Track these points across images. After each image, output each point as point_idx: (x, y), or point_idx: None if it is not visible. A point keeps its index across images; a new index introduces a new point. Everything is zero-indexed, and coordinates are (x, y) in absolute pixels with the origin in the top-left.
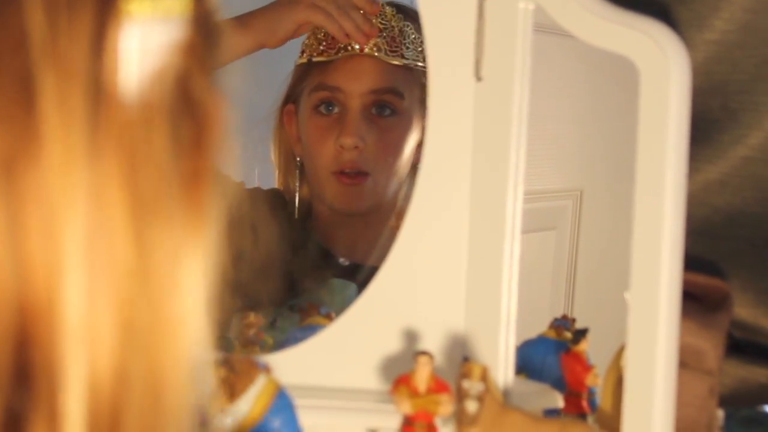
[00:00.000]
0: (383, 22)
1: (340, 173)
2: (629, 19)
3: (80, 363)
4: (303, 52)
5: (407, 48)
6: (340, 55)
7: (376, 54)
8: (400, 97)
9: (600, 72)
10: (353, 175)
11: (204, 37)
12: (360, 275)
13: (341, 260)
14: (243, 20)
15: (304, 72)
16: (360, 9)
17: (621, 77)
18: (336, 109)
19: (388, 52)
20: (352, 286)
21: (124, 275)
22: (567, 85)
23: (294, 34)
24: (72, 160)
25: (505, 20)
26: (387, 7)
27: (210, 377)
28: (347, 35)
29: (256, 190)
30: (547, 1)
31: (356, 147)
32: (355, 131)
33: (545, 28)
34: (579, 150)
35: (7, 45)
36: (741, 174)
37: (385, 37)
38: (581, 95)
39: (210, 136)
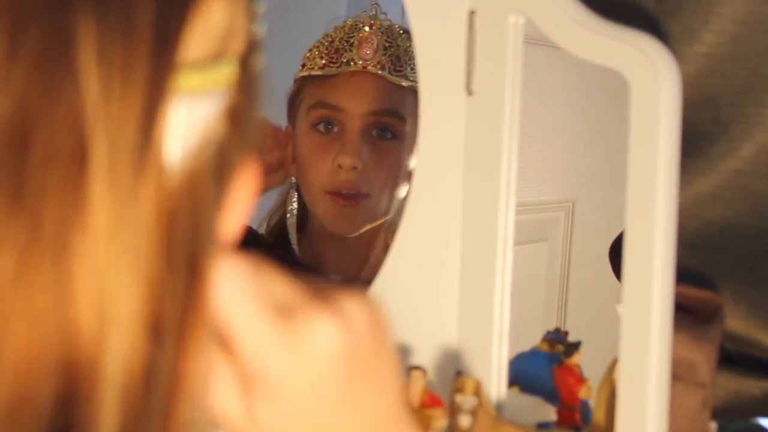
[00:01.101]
0: (389, 40)
1: (335, 193)
2: (619, 32)
3: (115, 421)
4: (303, 65)
5: (412, 69)
6: (341, 69)
7: (379, 72)
8: (402, 120)
9: (592, 83)
10: (348, 197)
11: (246, 103)
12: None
13: (332, 277)
14: None
15: (302, 87)
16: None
17: (613, 88)
18: (335, 128)
19: (392, 71)
20: None
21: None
22: (559, 96)
23: None
24: (119, 229)
25: (496, 34)
26: (395, 26)
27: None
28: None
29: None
30: (537, 14)
31: (354, 167)
32: (354, 151)
33: (537, 40)
34: (571, 161)
35: (63, 114)
36: (732, 186)
37: (389, 56)
38: (573, 107)
39: (239, 196)
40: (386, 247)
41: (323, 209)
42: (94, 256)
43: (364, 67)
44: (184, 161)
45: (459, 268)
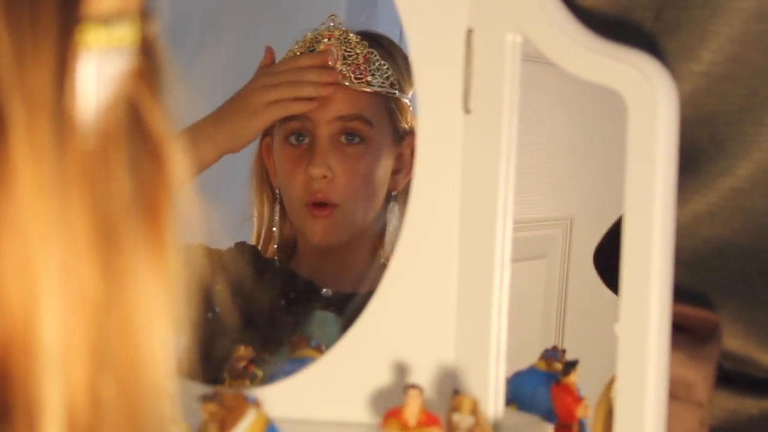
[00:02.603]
0: (347, 50)
1: (312, 205)
2: (616, 51)
3: (57, 392)
4: None
5: (373, 75)
6: None
7: (343, 83)
8: (369, 124)
9: (589, 101)
10: (322, 207)
11: (151, 64)
12: (345, 304)
13: (324, 291)
14: (205, 133)
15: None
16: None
17: (610, 106)
18: (306, 140)
19: (353, 80)
20: (331, 317)
21: (92, 303)
22: (556, 114)
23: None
24: (42, 190)
25: (493, 53)
26: (351, 35)
27: (199, 412)
28: (314, 99)
29: (220, 252)
30: (535, 33)
31: (324, 177)
32: (322, 161)
33: (534, 57)
34: (569, 179)
35: None
36: (730, 205)
37: (350, 65)
38: (571, 124)
39: (165, 163)
40: (380, 262)
41: (306, 224)
42: (19, 220)
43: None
44: (97, 120)
45: (456, 285)
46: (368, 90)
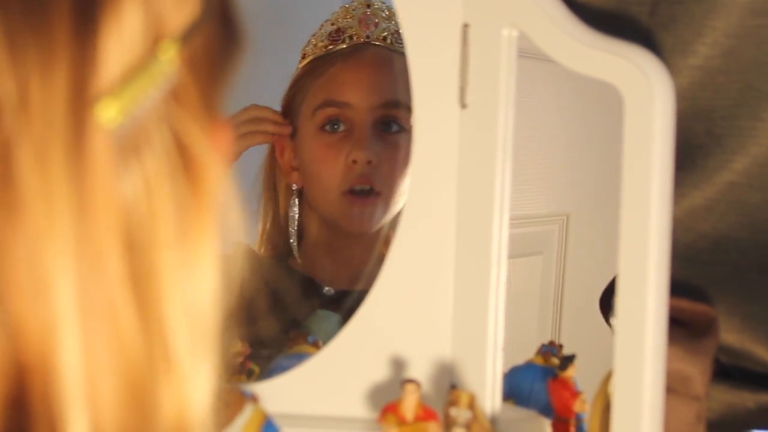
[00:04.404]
0: (387, 16)
1: (351, 194)
2: (612, 45)
3: (81, 419)
4: (304, 55)
5: None
6: (345, 44)
7: (382, 44)
8: (408, 111)
9: (586, 96)
10: (365, 196)
11: (193, 79)
12: (346, 302)
13: (326, 289)
14: None
15: (301, 87)
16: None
17: (607, 102)
18: (342, 127)
19: (395, 42)
20: (334, 317)
21: (123, 333)
22: (553, 110)
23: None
24: (56, 222)
25: (489, 47)
26: (386, 7)
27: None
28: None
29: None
30: (531, 28)
31: (369, 161)
32: (367, 145)
33: (530, 53)
34: (565, 175)
35: None
36: (726, 199)
37: (390, 30)
38: (567, 120)
39: (207, 188)
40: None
41: (339, 211)
42: (32, 252)
43: (368, 39)
44: (131, 165)
45: (453, 281)
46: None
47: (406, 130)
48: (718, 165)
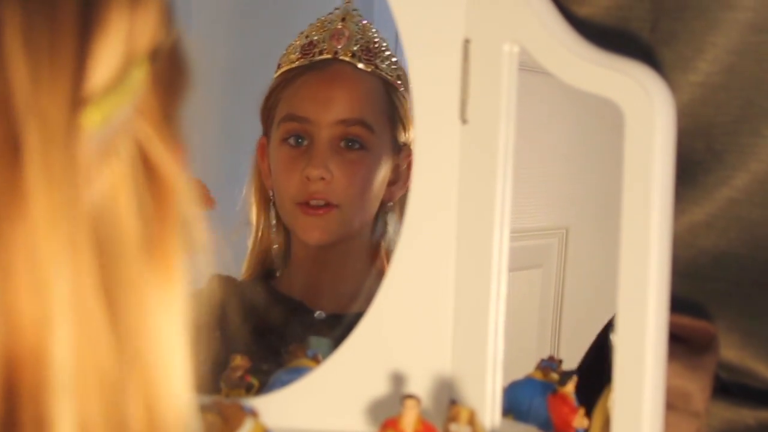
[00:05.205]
0: (360, 32)
1: (305, 205)
2: (613, 61)
3: (69, 412)
4: (279, 65)
5: (381, 61)
6: (314, 59)
7: (349, 60)
8: (370, 130)
9: (586, 110)
10: (317, 206)
11: (157, 100)
12: (338, 326)
13: (317, 314)
14: None
15: (275, 99)
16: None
17: (607, 116)
18: (305, 142)
19: (362, 59)
20: (326, 343)
21: (100, 332)
22: (553, 123)
23: None
24: (56, 217)
25: (490, 63)
26: (364, 21)
27: (196, 422)
28: None
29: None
30: (532, 43)
31: (322, 178)
32: (321, 162)
33: (531, 67)
34: (565, 188)
35: None
36: (727, 215)
37: (360, 47)
38: (567, 134)
39: (171, 199)
40: (371, 277)
41: (294, 220)
42: (32, 245)
43: (335, 56)
44: (100, 173)
45: (453, 295)
46: (376, 72)
47: (367, 149)
48: (719, 181)
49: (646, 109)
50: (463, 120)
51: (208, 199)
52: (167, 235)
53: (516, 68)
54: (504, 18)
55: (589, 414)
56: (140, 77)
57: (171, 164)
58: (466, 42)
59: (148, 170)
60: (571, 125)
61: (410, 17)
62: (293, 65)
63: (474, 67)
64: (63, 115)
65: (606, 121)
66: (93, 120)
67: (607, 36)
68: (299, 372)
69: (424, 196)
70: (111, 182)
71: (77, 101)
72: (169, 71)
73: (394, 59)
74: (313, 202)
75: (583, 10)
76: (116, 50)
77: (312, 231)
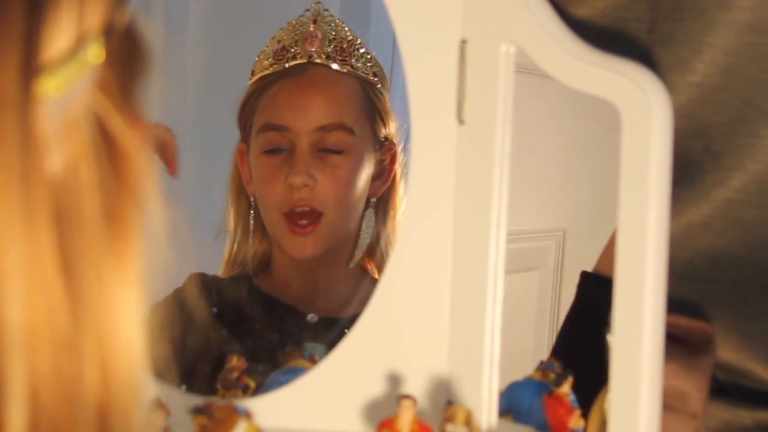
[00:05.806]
0: (332, 32)
1: (292, 215)
2: (610, 62)
3: (21, 373)
4: (253, 72)
5: (357, 60)
6: (288, 63)
7: (324, 62)
8: (351, 133)
9: (584, 112)
10: (305, 221)
11: (116, 75)
12: (332, 330)
13: (309, 317)
14: None
15: (251, 107)
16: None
17: (605, 118)
18: (286, 150)
19: (337, 60)
20: (321, 350)
21: (56, 300)
22: (550, 125)
23: None
24: (8, 181)
25: (487, 64)
26: (338, 21)
27: (190, 424)
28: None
29: (176, 294)
30: (529, 44)
31: (306, 185)
32: (303, 169)
33: (528, 68)
34: (562, 190)
35: None
36: (724, 216)
37: (334, 47)
38: (564, 136)
39: (130, 172)
40: (363, 279)
41: (282, 236)
42: None
43: (309, 59)
44: (61, 144)
45: (450, 296)
46: (351, 73)
47: (348, 152)
48: (716, 182)
49: (643, 110)
50: (460, 121)
51: (172, 146)
52: (126, 206)
53: (513, 69)
54: (501, 19)
55: (585, 415)
56: (95, 52)
57: (130, 138)
58: (463, 43)
59: (107, 143)
60: (568, 127)
61: (407, 18)
62: (267, 71)
63: (471, 68)
64: (13, 83)
65: (603, 122)
66: (48, 89)
67: (605, 37)
68: (296, 373)
69: (421, 197)
70: (72, 153)
71: (30, 70)
72: (126, 49)
73: (369, 56)
74: (298, 209)
75: (580, 11)
76: (68, 23)
77: (301, 249)
